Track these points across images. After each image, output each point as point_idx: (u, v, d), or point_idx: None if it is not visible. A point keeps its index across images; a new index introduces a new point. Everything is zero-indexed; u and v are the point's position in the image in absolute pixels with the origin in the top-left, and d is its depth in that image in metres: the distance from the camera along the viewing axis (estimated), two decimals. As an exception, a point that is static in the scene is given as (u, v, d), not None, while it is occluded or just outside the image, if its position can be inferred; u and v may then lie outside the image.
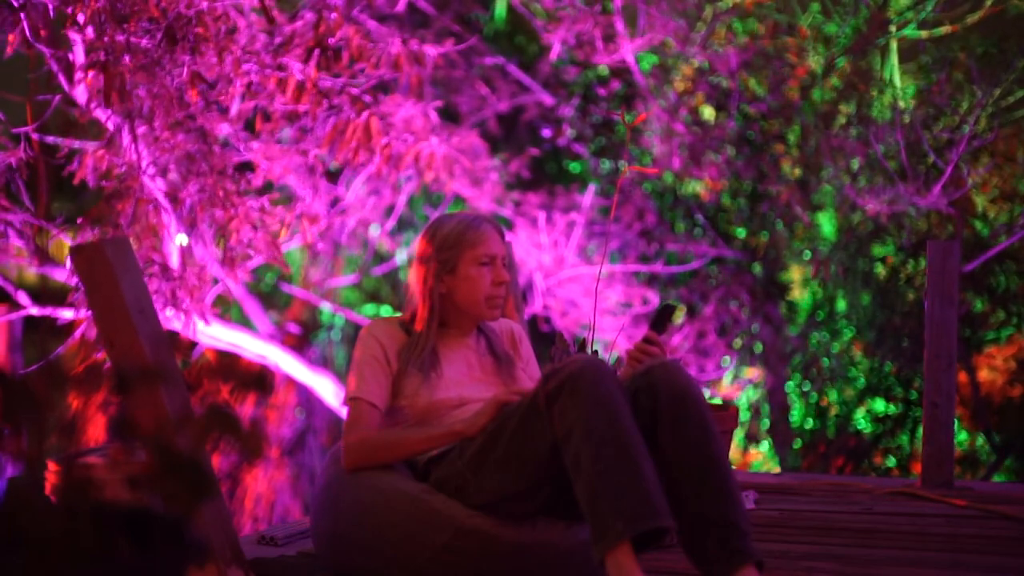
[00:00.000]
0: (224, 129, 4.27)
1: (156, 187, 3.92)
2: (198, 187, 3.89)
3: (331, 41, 3.97)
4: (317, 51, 3.95)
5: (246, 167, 4.58)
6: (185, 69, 3.54)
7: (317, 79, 3.96)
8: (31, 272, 4.28)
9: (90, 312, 3.00)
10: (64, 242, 4.05)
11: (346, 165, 5.07)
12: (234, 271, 4.16)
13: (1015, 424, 6.90)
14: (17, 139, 3.74)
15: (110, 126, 3.85)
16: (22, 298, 4.03)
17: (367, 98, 4.24)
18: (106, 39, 3.41)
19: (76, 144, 3.96)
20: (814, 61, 7.07)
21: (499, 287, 2.28)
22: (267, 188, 4.47)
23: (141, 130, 3.75)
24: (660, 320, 2.27)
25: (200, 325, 4.04)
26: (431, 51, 4.29)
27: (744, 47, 6.97)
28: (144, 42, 3.52)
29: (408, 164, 4.45)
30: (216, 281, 4.35)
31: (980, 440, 7.04)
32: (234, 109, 4.19)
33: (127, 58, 3.44)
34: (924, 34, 6.90)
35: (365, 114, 4.15)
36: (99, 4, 3.37)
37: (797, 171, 7.17)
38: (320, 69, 3.98)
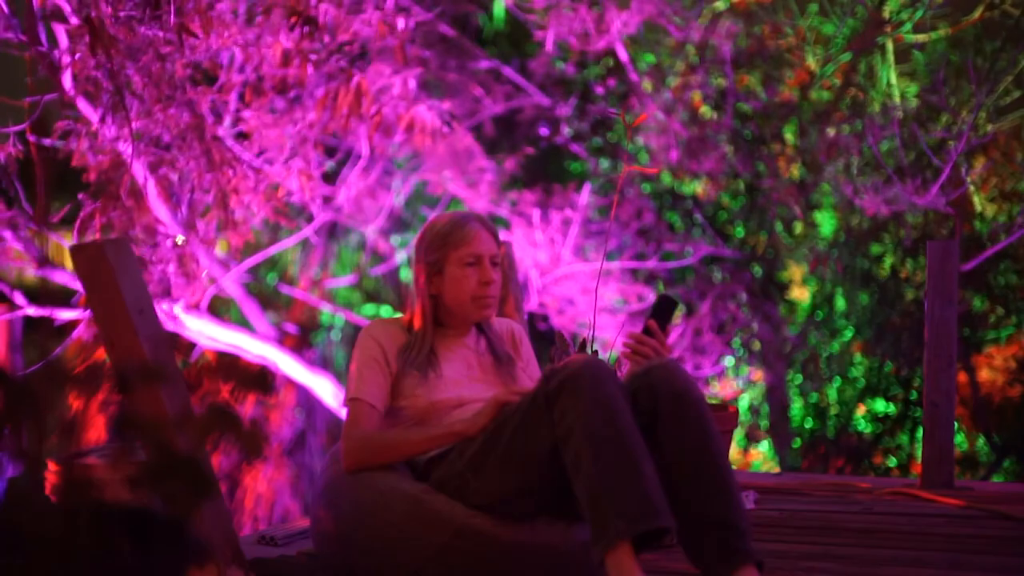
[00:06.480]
0: (211, 101, 4.30)
1: (148, 175, 3.93)
2: (192, 156, 3.92)
3: (309, 11, 4.00)
4: (297, 22, 3.98)
5: (241, 136, 4.63)
6: (173, 36, 3.54)
7: (302, 44, 4.00)
8: (30, 273, 4.29)
9: (90, 312, 3.00)
10: (60, 243, 4.05)
11: (338, 136, 5.11)
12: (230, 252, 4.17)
13: (1015, 424, 6.90)
14: (8, 137, 3.74)
15: (98, 114, 3.86)
16: (19, 299, 4.02)
17: (352, 69, 4.29)
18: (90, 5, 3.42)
19: (70, 126, 3.97)
20: (812, 60, 7.07)
21: (486, 287, 2.26)
22: (261, 155, 4.55)
23: (134, 110, 3.75)
24: (660, 312, 2.20)
25: (195, 322, 4.04)
26: (403, 22, 4.35)
27: (744, 47, 6.96)
28: (128, 6, 3.53)
29: (400, 131, 4.49)
30: (212, 281, 4.35)
31: (980, 441, 7.04)
32: (223, 79, 4.25)
33: (110, 15, 3.45)
34: (914, 38, 6.89)
35: (356, 78, 4.18)
36: None
37: (796, 170, 7.17)
38: (302, 39, 4.03)
